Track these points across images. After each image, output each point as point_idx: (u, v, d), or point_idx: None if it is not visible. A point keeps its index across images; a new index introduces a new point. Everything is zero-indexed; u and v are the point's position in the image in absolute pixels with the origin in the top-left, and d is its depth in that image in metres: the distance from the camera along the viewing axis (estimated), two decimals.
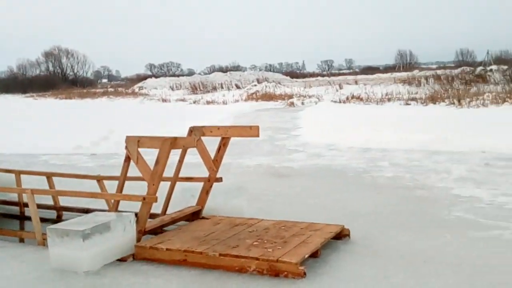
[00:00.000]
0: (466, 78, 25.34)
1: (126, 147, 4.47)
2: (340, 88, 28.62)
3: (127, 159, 4.64)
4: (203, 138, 4.87)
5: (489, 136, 9.32)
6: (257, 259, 3.82)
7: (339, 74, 59.33)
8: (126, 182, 4.84)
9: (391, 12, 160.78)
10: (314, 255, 4.06)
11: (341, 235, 4.58)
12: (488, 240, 4.51)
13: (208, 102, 27.19)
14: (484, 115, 13.29)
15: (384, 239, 4.62)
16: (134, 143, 4.37)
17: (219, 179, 5.08)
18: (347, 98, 22.49)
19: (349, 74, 57.70)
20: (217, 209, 5.18)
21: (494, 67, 27.47)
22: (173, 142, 4.20)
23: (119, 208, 4.81)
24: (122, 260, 4.16)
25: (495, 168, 7.34)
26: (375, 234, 4.75)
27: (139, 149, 4.36)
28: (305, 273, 3.70)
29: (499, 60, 33.79)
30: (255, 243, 4.17)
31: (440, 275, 3.78)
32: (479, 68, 28.86)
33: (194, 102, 28.07)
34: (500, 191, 6.10)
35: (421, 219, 5.22)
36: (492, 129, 10.33)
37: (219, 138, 5.06)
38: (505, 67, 25.35)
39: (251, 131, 4.85)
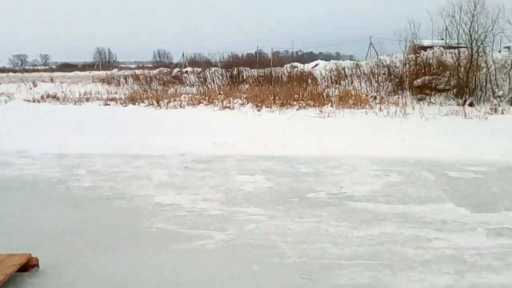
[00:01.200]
0: (164, 79, 26.05)
1: None
2: (34, 85, 26.56)
3: None
4: None
5: (187, 138, 9.45)
6: None
7: (34, 71, 55.58)
8: None
9: (90, 8, 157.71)
10: None
11: (28, 266, 3.86)
12: (191, 252, 4.34)
13: None
14: (182, 116, 13.62)
15: (80, 264, 4.07)
16: None
17: None
18: (42, 97, 20.87)
19: (45, 70, 54.43)
20: None
21: (189, 69, 28.92)
22: None
23: None
24: None
25: (194, 172, 7.38)
26: (70, 259, 4.16)
27: None
28: None
29: (193, 62, 35.85)
30: None
31: None
32: (175, 70, 30.07)
33: None
34: (200, 196, 6.06)
35: (122, 235, 4.80)
36: (189, 131, 10.56)
37: None
38: (199, 69, 26.85)
39: None
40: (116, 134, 10.30)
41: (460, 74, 15.10)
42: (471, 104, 14.39)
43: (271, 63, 28.90)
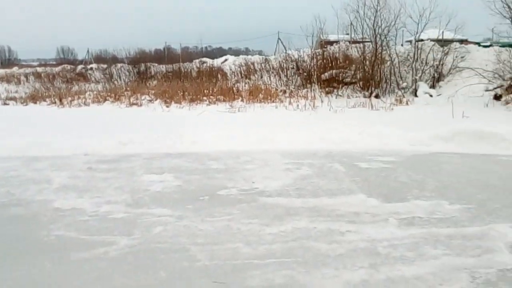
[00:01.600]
0: (68, 76, 25.02)
1: None
2: None
3: None
4: None
5: (92, 137, 8.96)
6: None
7: None
8: None
9: None
10: None
11: None
12: (93, 261, 3.99)
13: None
14: (86, 114, 13.02)
15: None
16: None
17: None
18: None
19: None
20: None
21: (94, 65, 27.91)
22: None
23: None
24: None
25: (98, 172, 6.95)
26: None
27: None
28: None
29: (99, 58, 34.68)
30: None
31: None
32: (80, 67, 28.96)
33: None
34: (104, 198, 5.68)
35: (16, 246, 4.36)
36: (94, 130, 10.07)
37: None
38: (105, 65, 25.97)
39: None
40: (14, 135, 9.63)
41: (365, 67, 15.50)
42: (377, 96, 14.81)
43: (180, 59, 28.49)
